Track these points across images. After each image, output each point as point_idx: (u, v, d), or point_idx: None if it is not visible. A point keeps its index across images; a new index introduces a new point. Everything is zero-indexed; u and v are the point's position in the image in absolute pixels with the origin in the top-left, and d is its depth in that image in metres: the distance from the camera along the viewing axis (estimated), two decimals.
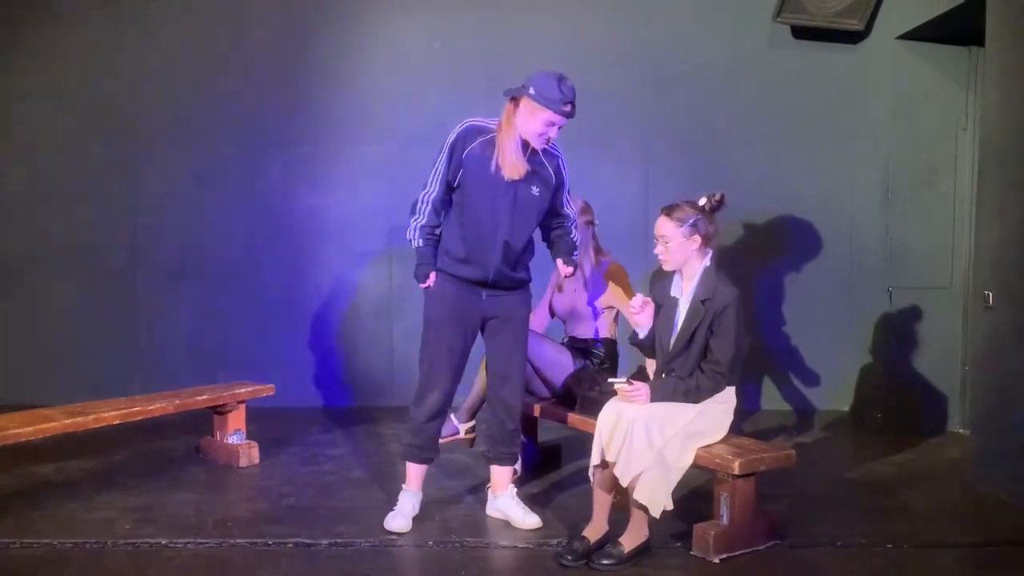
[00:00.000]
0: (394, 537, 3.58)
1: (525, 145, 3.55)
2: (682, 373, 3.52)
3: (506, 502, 3.81)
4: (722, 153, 5.87)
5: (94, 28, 5.88)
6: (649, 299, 3.60)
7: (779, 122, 5.89)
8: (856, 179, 5.81)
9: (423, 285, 3.67)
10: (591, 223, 4.28)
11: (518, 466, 4.20)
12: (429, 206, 3.62)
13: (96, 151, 5.90)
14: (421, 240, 3.64)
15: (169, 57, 5.88)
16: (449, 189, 3.62)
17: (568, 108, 3.50)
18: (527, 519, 3.73)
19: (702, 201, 3.53)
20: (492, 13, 5.91)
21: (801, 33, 5.78)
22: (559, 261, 3.80)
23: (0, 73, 5.88)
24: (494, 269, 3.61)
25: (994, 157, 4.32)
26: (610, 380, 3.56)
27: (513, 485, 3.87)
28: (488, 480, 3.95)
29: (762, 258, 5.84)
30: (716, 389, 3.50)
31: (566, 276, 3.84)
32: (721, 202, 3.54)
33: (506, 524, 3.75)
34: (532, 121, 3.50)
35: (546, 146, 3.60)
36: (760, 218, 5.83)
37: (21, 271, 5.92)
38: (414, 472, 3.77)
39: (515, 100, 3.54)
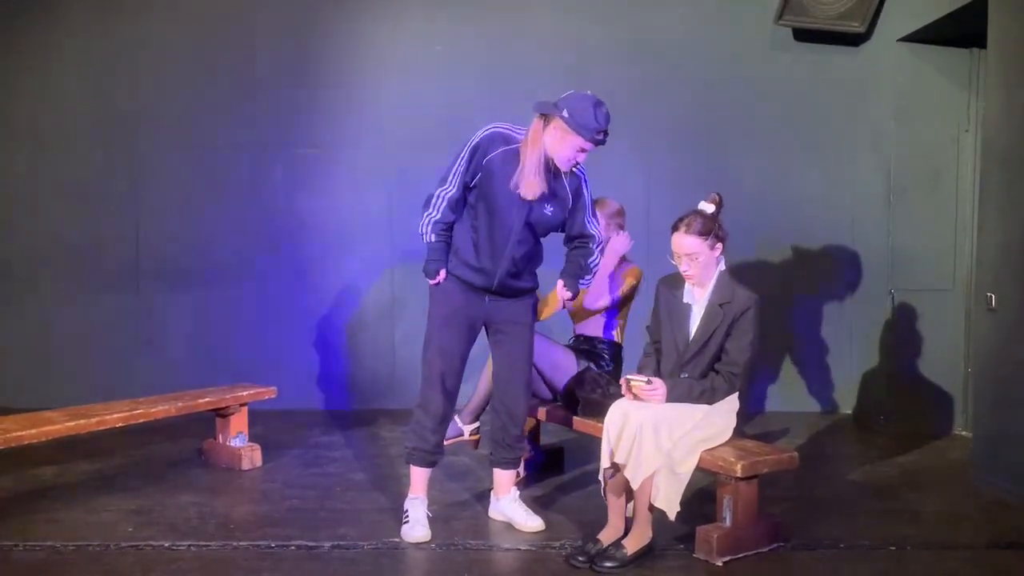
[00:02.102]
0: (397, 540, 3.58)
1: (549, 164, 3.47)
2: (695, 376, 3.53)
3: (509, 505, 3.81)
4: (723, 155, 5.87)
5: (96, 30, 5.88)
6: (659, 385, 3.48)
7: (781, 124, 5.89)
8: (858, 181, 5.81)
9: (433, 282, 3.60)
10: (622, 227, 4.30)
11: (521, 468, 4.21)
12: (445, 203, 3.52)
13: (99, 154, 5.90)
14: (434, 236, 3.56)
15: (171, 60, 5.89)
16: (466, 189, 3.54)
17: (601, 136, 3.40)
18: (530, 522, 3.73)
19: (710, 209, 3.51)
20: (493, 16, 5.91)
21: (803, 35, 5.78)
22: (559, 282, 3.69)
23: (3, 77, 5.89)
24: (498, 279, 3.57)
25: (996, 159, 4.32)
26: (628, 376, 3.56)
27: (516, 488, 3.87)
28: (491, 483, 3.96)
29: (764, 260, 5.84)
30: (730, 391, 3.52)
31: (564, 300, 3.77)
32: (721, 202, 3.54)
33: (509, 526, 3.75)
34: (562, 145, 3.41)
35: (573, 169, 3.54)
36: (762, 220, 5.82)
37: (24, 273, 5.92)
38: (420, 477, 3.72)
39: (544, 117, 3.43)
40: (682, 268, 3.52)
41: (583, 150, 3.44)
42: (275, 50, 5.91)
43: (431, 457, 3.69)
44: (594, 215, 3.73)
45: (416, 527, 3.61)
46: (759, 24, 5.78)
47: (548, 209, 3.54)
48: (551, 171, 3.49)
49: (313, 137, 5.93)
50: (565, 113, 3.37)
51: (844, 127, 5.85)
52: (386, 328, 6.01)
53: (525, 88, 5.79)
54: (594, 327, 4.32)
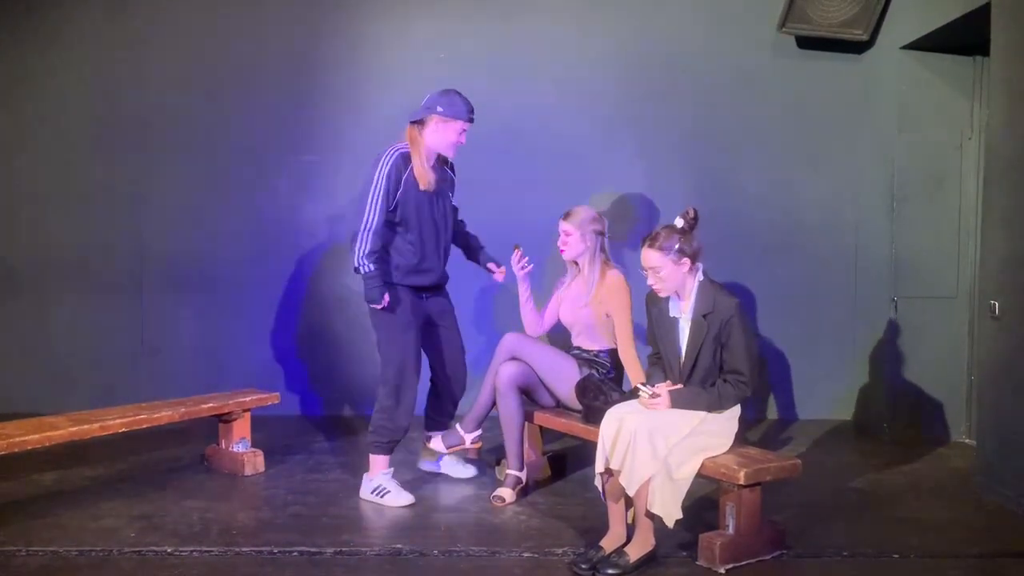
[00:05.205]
0: (399, 546, 3.58)
1: (438, 159, 4.10)
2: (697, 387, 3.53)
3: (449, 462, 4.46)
4: (726, 162, 5.87)
5: (100, 37, 5.89)
6: (662, 392, 3.54)
7: (784, 132, 5.89)
8: (861, 188, 5.81)
9: (380, 306, 3.97)
10: (600, 233, 4.26)
11: (523, 475, 4.21)
12: (371, 233, 3.94)
13: (103, 159, 5.91)
14: (372, 265, 3.94)
15: (176, 66, 5.90)
16: (388, 214, 3.99)
17: (472, 115, 4.04)
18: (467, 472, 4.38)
19: (680, 223, 3.55)
20: (497, 23, 5.92)
21: (805, 43, 5.79)
22: (491, 265, 4.37)
23: (7, 81, 5.91)
24: (440, 272, 4.18)
25: (1000, 166, 4.32)
26: (637, 385, 3.60)
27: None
28: (493, 488, 4.01)
29: (767, 268, 5.84)
30: (740, 397, 3.53)
31: (499, 278, 4.34)
32: (696, 218, 3.55)
33: (511, 533, 3.75)
34: (446, 134, 4.01)
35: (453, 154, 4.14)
36: (765, 227, 5.83)
37: (28, 279, 5.93)
38: (385, 461, 4.15)
39: (418, 123, 4.02)
40: (649, 281, 3.57)
41: (464, 131, 4.04)
42: (279, 57, 5.92)
43: (397, 443, 4.17)
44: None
45: (401, 494, 4.06)
46: (762, 32, 5.79)
47: (451, 196, 4.24)
48: (439, 165, 4.13)
49: (317, 144, 5.93)
50: (440, 108, 3.98)
51: (847, 134, 5.85)
52: None
53: (529, 94, 5.83)
54: (590, 341, 4.29)
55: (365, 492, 4.14)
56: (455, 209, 4.36)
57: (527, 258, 4.30)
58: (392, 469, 4.17)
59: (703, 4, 5.88)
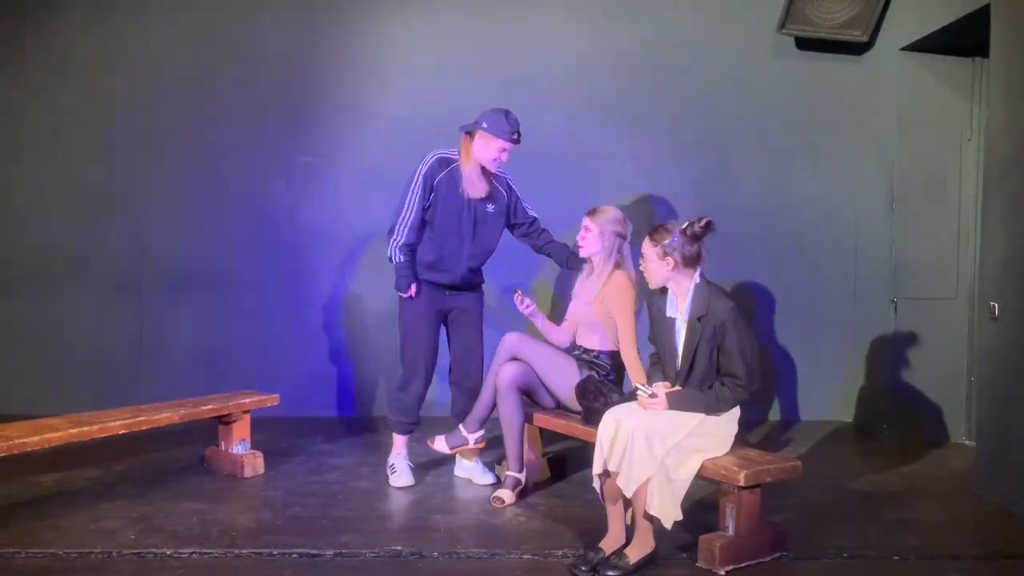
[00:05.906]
0: (399, 548, 3.58)
1: (483, 170, 4.26)
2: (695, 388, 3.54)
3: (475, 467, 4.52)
4: (726, 163, 5.88)
5: (101, 40, 5.90)
6: (660, 393, 3.56)
7: (783, 133, 5.90)
8: (861, 190, 5.82)
9: (405, 295, 4.34)
10: (621, 236, 4.22)
11: (523, 476, 4.21)
12: (407, 227, 4.28)
13: (103, 161, 5.91)
14: (402, 256, 4.31)
15: (175, 68, 5.90)
16: (423, 212, 4.28)
17: (516, 136, 4.21)
18: (487, 478, 4.45)
19: (684, 225, 3.55)
20: (498, 24, 5.92)
21: (805, 44, 5.79)
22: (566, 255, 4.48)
23: (8, 84, 5.91)
24: (460, 275, 4.34)
25: (999, 168, 4.32)
26: (636, 386, 3.61)
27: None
28: (493, 489, 4.02)
29: (766, 269, 5.84)
30: (737, 400, 3.53)
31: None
32: (705, 228, 3.53)
33: (510, 534, 3.75)
34: (487, 149, 4.20)
35: (498, 170, 4.32)
36: (765, 229, 5.83)
37: (28, 281, 5.92)
38: (402, 440, 4.47)
39: (469, 134, 4.23)
40: (640, 266, 3.66)
41: (504, 149, 4.21)
42: (279, 58, 5.91)
43: (412, 426, 4.45)
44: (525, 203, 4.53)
45: (403, 475, 4.39)
46: (762, 33, 5.79)
47: (490, 208, 4.36)
48: (487, 176, 4.29)
49: (316, 145, 5.93)
50: (484, 125, 4.18)
51: (847, 136, 5.85)
52: (388, 335, 5.96)
53: (529, 97, 5.82)
54: (593, 340, 4.29)
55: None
56: (533, 219, 4.52)
57: (528, 299, 4.32)
58: (405, 451, 4.46)
59: (703, 5, 5.89)
